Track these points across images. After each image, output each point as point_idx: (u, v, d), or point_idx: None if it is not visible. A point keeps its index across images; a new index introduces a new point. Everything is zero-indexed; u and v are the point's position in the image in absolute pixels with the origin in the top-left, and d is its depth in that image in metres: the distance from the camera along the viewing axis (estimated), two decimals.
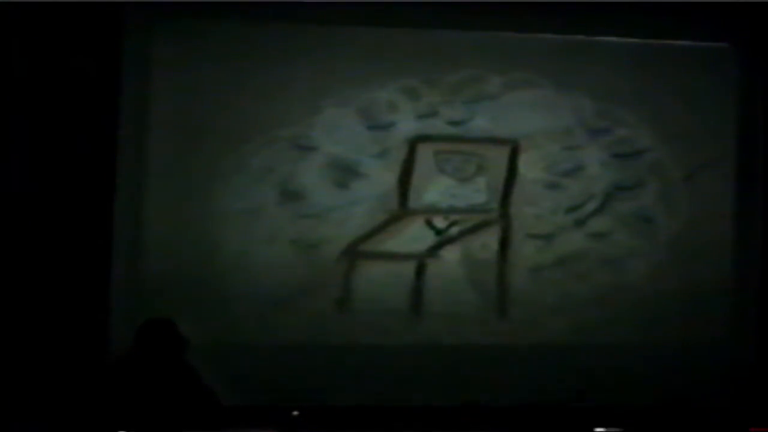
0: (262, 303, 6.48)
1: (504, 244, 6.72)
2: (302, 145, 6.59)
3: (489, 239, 6.72)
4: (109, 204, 6.29)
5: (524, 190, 6.74)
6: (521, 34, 6.76)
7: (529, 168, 6.75)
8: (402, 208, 6.67)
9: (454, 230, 6.70)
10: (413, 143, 6.67)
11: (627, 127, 6.83)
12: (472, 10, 6.57)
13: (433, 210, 6.69)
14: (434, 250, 6.68)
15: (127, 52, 6.34)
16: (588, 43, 6.80)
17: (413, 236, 6.66)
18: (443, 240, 6.69)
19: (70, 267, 6.21)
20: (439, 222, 6.69)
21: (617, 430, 6.35)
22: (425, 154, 6.68)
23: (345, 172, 6.61)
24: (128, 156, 6.37)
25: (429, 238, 6.68)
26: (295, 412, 6.00)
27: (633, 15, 6.70)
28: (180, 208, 6.42)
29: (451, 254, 6.69)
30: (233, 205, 6.51)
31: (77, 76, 6.25)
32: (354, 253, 6.60)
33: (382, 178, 6.65)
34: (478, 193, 6.73)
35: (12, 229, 6.18)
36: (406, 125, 6.68)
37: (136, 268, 6.36)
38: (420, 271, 6.66)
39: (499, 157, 6.74)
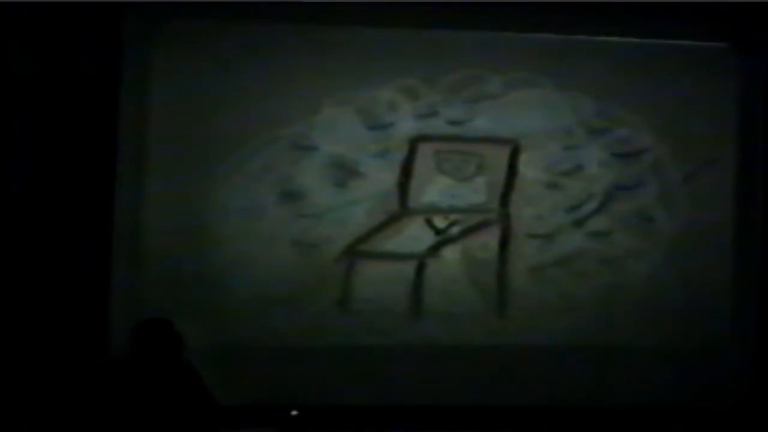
0: (262, 303, 6.48)
1: (504, 244, 6.71)
2: (302, 145, 6.59)
3: (489, 239, 6.72)
4: (109, 204, 6.30)
5: (524, 190, 6.74)
6: (521, 34, 6.76)
7: (529, 168, 6.75)
8: (402, 208, 6.66)
9: (454, 230, 6.70)
10: (413, 143, 6.67)
11: (627, 127, 6.83)
12: (472, 10, 6.57)
13: (433, 210, 6.69)
14: (434, 250, 6.68)
15: (127, 52, 6.35)
16: (588, 43, 6.80)
17: (413, 236, 6.66)
18: (443, 240, 6.69)
19: (70, 267, 6.21)
20: (439, 222, 6.69)
21: None
22: (425, 153, 6.68)
23: (345, 172, 6.61)
24: (128, 156, 6.37)
25: (429, 238, 6.68)
26: (295, 412, 6.00)
27: (633, 15, 6.69)
28: (180, 208, 6.43)
29: (451, 254, 6.69)
30: (233, 205, 6.51)
31: (77, 77, 6.25)
32: (354, 253, 6.60)
33: (382, 177, 6.64)
34: (477, 193, 6.73)
35: (12, 230, 6.19)
36: (406, 125, 6.68)
37: (136, 268, 6.36)
38: (420, 271, 6.66)
39: (499, 156, 6.74)
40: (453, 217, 6.71)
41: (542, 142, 6.77)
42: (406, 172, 6.68)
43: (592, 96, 6.78)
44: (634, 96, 6.81)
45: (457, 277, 6.69)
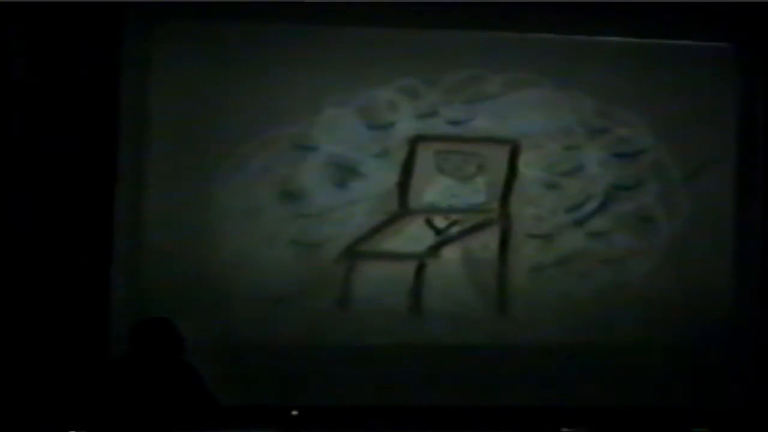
0: (262, 303, 6.48)
1: (504, 244, 6.71)
2: (302, 145, 6.59)
3: (489, 239, 6.72)
4: (109, 204, 6.30)
5: (524, 190, 6.74)
6: (521, 34, 6.76)
7: (529, 168, 6.75)
8: (402, 208, 6.66)
9: (454, 230, 6.70)
10: (413, 143, 6.67)
11: (627, 126, 6.83)
12: (472, 10, 6.57)
13: (433, 210, 6.69)
14: (434, 250, 6.68)
15: (127, 52, 6.35)
16: (588, 43, 6.80)
17: (413, 236, 6.66)
18: (443, 240, 6.69)
19: (70, 267, 6.21)
20: (439, 222, 6.69)
21: None
22: (425, 153, 6.68)
23: (345, 172, 6.61)
24: (128, 156, 6.37)
25: (429, 238, 6.68)
26: (295, 412, 6.00)
27: (633, 15, 6.69)
28: (180, 208, 6.42)
29: (451, 254, 6.69)
30: (233, 205, 6.51)
31: (77, 76, 6.25)
32: (354, 253, 6.60)
33: (382, 177, 6.65)
34: (478, 192, 6.73)
35: (12, 230, 6.19)
36: (406, 125, 6.68)
37: (136, 268, 6.37)
38: (420, 271, 6.66)
39: (499, 157, 6.74)
40: (453, 217, 6.71)
41: (542, 142, 6.77)
42: (406, 172, 6.68)
43: (592, 96, 6.79)
44: (634, 96, 6.81)
45: (457, 277, 6.69)
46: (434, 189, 6.70)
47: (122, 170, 6.34)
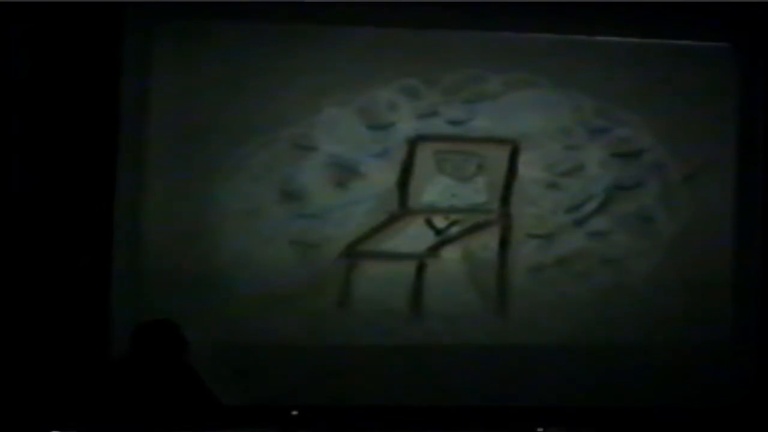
0: (262, 303, 6.48)
1: (504, 243, 6.71)
2: (302, 145, 6.59)
3: (489, 239, 6.72)
4: (109, 204, 6.30)
5: (524, 190, 6.74)
6: (521, 34, 6.76)
7: (529, 168, 6.75)
8: (402, 208, 6.66)
9: (454, 230, 6.70)
10: (413, 143, 6.67)
11: (627, 126, 6.83)
12: (472, 10, 6.57)
13: (433, 210, 6.69)
14: (434, 250, 6.68)
15: (127, 52, 6.35)
16: (588, 43, 6.80)
17: (413, 236, 6.66)
18: (443, 240, 6.69)
19: (70, 267, 6.21)
20: (439, 222, 6.69)
21: None
22: (425, 153, 6.68)
23: (345, 172, 6.61)
24: (128, 156, 6.37)
25: (429, 238, 6.68)
26: (295, 412, 6.00)
27: (633, 15, 6.70)
28: (180, 207, 6.43)
29: (451, 254, 6.69)
30: (233, 205, 6.51)
31: (77, 76, 6.25)
32: (354, 253, 6.60)
33: (382, 178, 6.64)
34: (478, 192, 6.73)
35: (12, 229, 6.19)
36: (406, 125, 6.68)
37: (136, 268, 6.37)
38: (420, 271, 6.65)
39: (499, 156, 6.74)
40: (453, 217, 6.71)
41: (542, 142, 6.77)
42: (406, 172, 6.68)
43: (592, 96, 6.79)
44: (634, 96, 6.81)
45: (457, 277, 6.69)
46: (434, 189, 6.70)
47: (122, 170, 6.34)
